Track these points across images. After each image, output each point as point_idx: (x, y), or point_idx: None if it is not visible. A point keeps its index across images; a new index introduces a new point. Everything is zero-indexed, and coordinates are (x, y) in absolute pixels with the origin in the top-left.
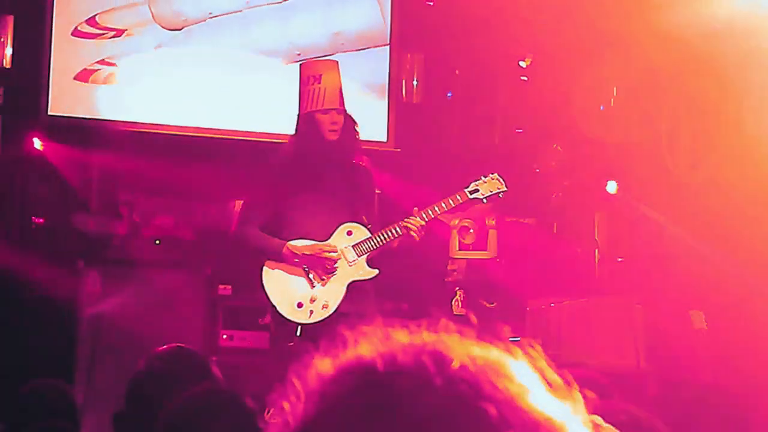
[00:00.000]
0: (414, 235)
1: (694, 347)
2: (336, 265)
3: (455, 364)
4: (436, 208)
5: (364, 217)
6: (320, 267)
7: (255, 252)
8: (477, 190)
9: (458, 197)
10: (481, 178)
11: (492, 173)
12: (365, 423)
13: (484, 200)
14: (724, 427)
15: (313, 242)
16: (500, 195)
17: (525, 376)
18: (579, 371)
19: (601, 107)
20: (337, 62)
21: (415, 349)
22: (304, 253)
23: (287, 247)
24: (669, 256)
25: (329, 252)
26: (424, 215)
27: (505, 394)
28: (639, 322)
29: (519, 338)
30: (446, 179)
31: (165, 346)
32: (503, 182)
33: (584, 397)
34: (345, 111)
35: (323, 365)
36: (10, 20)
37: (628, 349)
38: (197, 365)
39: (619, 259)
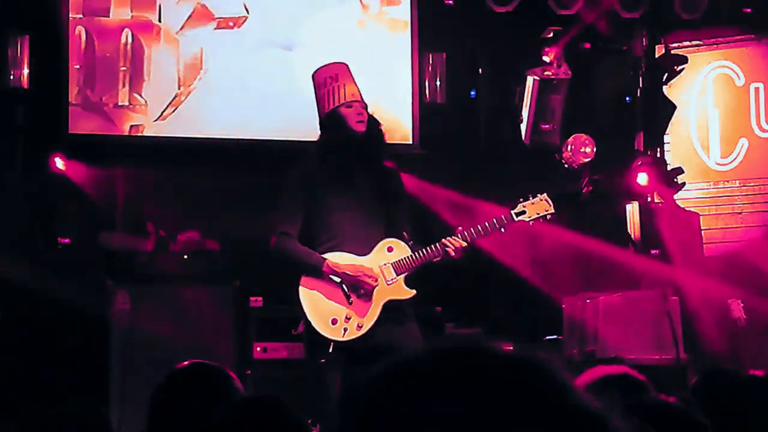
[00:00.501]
0: (453, 254)
1: (734, 337)
2: (375, 284)
3: (494, 365)
4: (480, 229)
5: (404, 233)
6: (358, 288)
7: (294, 267)
8: (524, 212)
9: (504, 219)
10: (529, 198)
11: (540, 193)
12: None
13: (531, 223)
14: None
15: (352, 260)
16: (547, 218)
17: (562, 374)
18: (613, 367)
19: (628, 99)
20: (347, 64)
21: (451, 354)
22: (345, 273)
23: (327, 264)
24: (705, 245)
25: (369, 278)
26: (467, 235)
27: (546, 392)
28: (676, 314)
29: (556, 336)
30: (474, 179)
31: (185, 363)
32: (551, 204)
33: (618, 391)
34: (367, 107)
35: (358, 377)
36: (27, 40)
37: (666, 341)
38: (218, 381)
39: (654, 251)
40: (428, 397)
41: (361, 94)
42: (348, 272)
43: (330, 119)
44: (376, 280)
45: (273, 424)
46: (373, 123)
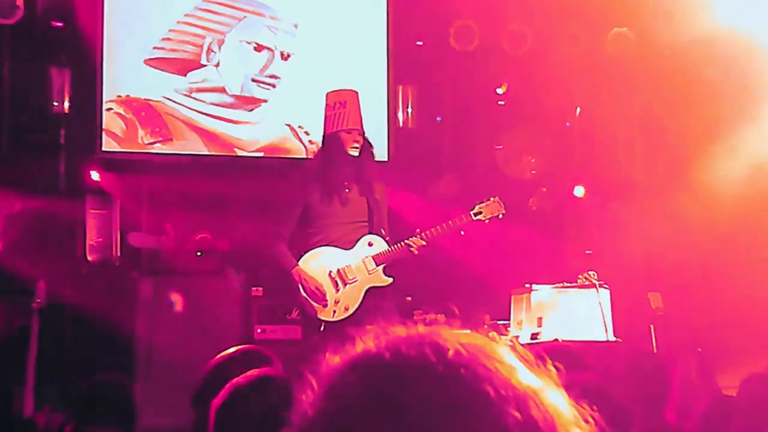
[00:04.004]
0: (413, 251)
1: (652, 324)
2: (356, 277)
3: (451, 352)
4: (440, 229)
5: (382, 231)
6: (310, 296)
7: (274, 263)
8: (480, 213)
9: (463, 218)
10: (484, 202)
11: (493, 197)
12: (375, 411)
13: (486, 221)
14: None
15: (321, 273)
16: (500, 216)
17: (508, 356)
18: (559, 344)
19: (568, 124)
20: (358, 92)
21: (415, 341)
22: (304, 282)
23: (295, 270)
24: (630, 246)
25: (320, 295)
26: (426, 236)
27: (497, 374)
28: (606, 303)
29: (506, 321)
30: (438, 191)
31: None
32: (503, 205)
33: (556, 369)
34: (364, 133)
35: (336, 359)
36: (68, 73)
37: (597, 327)
38: (262, 360)
39: (588, 252)
40: (391, 383)
41: (362, 123)
42: (305, 282)
43: (331, 140)
44: (325, 296)
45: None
46: (366, 146)
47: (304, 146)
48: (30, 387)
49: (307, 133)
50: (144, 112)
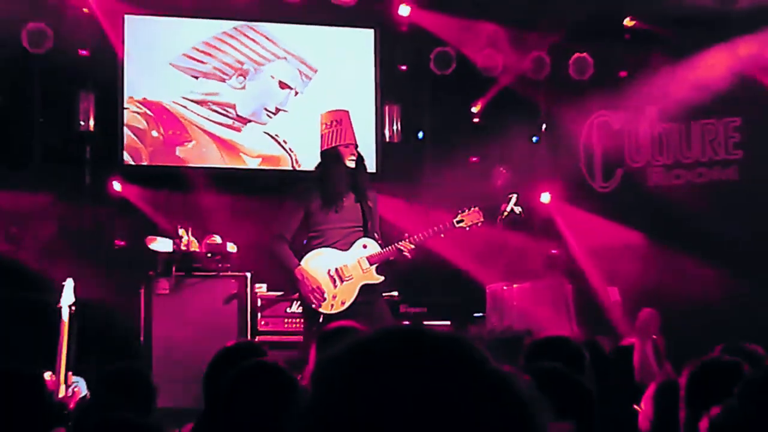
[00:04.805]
0: (406, 254)
1: (611, 315)
2: (351, 275)
3: (429, 343)
4: (426, 235)
5: (375, 234)
6: (311, 292)
7: (278, 263)
8: (462, 221)
9: (446, 225)
10: (465, 210)
11: (474, 206)
12: (359, 399)
13: (467, 228)
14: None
15: (321, 271)
16: (479, 224)
17: (482, 347)
18: (528, 335)
19: (535, 138)
20: (349, 111)
21: (398, 333)
22: (306, 280)
23: (298, 270)
24: (591, 246)
25: (319, 292)
26: (415, 240)
27: (472, 363)
28: (570, 298)
29: (482, 314)
30: (421, 198)
31: (235, 341)
32: (482, 213)
33: (525, 358)
34: (357, 146)
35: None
36: (92, 96)
37: (563, 318)
38: (256, 351)
39: (553, 251)
40: (380, 373)
41: (355, 138)
42: (307, 282)
43: (330, 153)
44: (324, 292)
45: (272, 378)
46: (360, 159)
47: (288, 154)
48: (60, 374)
49: (285, 141)
50: (165, 115)
